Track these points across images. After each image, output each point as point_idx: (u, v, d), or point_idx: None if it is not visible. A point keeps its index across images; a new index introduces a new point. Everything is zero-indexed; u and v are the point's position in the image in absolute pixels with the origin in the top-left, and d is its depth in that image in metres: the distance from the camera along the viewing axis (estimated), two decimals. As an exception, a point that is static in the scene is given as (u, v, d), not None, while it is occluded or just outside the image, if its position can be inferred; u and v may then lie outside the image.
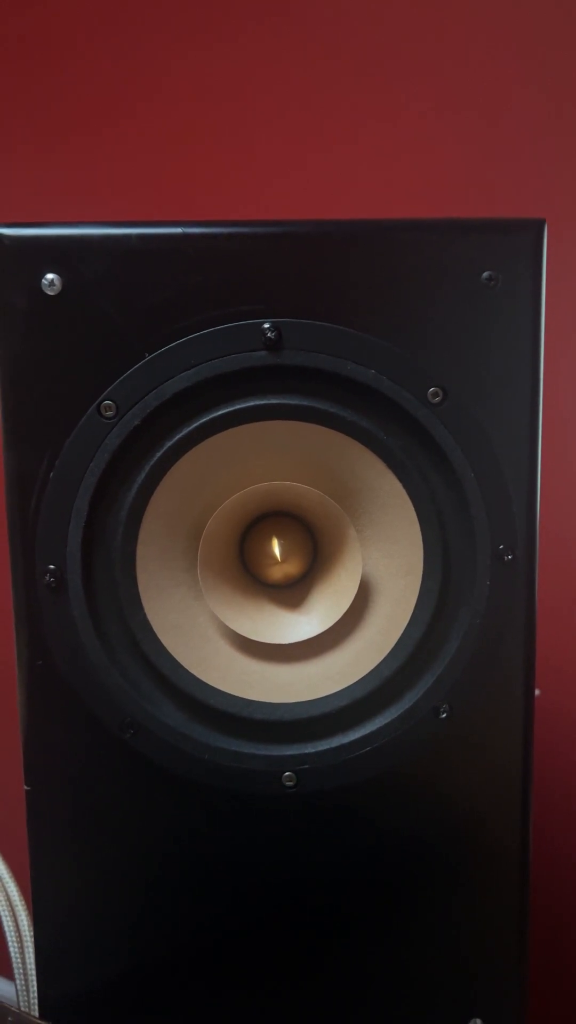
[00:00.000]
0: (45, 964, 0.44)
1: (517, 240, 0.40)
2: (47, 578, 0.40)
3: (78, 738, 0.41)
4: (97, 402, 0.39)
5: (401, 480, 0.40)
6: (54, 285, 0.38)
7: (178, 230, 0.39)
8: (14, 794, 0.85)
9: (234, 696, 0.41)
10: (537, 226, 0.40)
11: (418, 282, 0.40)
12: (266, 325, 0.39)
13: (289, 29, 0.79)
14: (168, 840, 0.42)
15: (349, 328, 0.39)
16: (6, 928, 0.55)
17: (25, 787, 0.42)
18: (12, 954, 0.54)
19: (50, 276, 0.38)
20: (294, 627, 0.42)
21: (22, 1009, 0.49)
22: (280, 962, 0.44)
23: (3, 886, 0.56)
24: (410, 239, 0.40)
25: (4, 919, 0.55)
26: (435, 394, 0.40)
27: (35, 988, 0.54)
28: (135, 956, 0.44)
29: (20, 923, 0.55)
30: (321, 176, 0.79)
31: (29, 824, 0.43)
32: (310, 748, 0.41)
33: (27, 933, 0.55)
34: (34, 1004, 0.52)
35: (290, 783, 0.41)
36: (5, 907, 0.55)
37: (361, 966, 0.44)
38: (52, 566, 0.40)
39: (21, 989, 0.53)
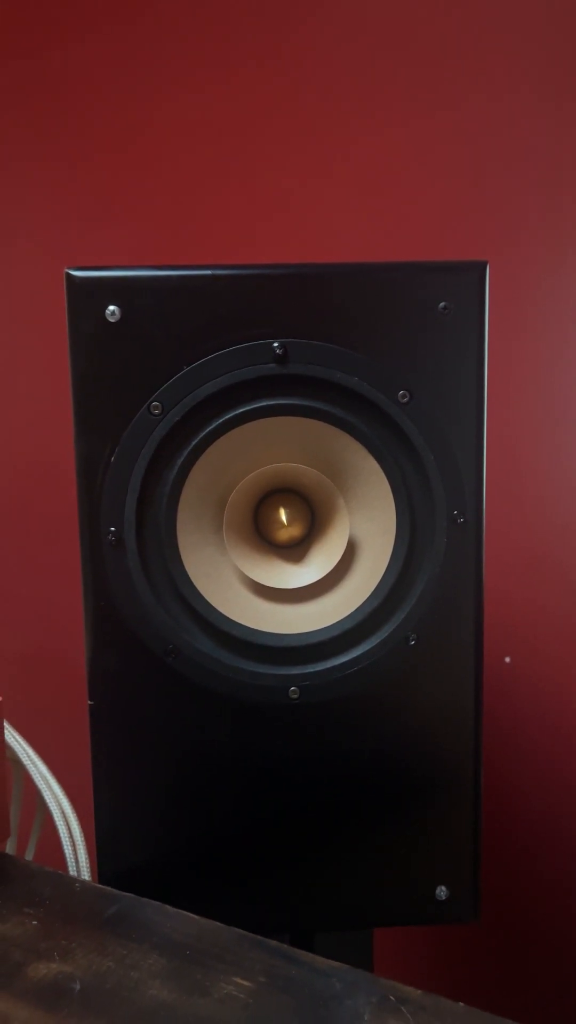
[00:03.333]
0: (103, 845, 0.56)
1: (465, 278, 0.52)
2: (109, 537, 0.52)
3: (131, 661, 0.53)
4: (147, 403, 0.51)
5: (378, 461, 0.53)
6: (115, 314, 0.51)
7: (208, 272, 0.51)
8: (70, 722, 0.97)
9: (251, 628, 0.54)
10: (481, 267, 0.52)
11: (390, 310, 0.52)
12: (275, 344, 0.51)
13: (287, 74, 0.91)
14: (200, 741, 0.54)
15: (339, 346, 0.52)
16: (61, 835, 0.67)
17: (89, 702, 0.54)
18: (67, 855, 0.66)
19: (112, 307, 0.51)
20: (297, 575, 0.54)
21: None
22: (286, 839, 0.56)
23: (58, 802, 0.68)
24: (384, 277, 0.52)
25: (59, 826, 0.67)
26: (403, 396, 0.52)
27: (87, 879, 0.66)
28: (175, 836, 0.56)
29: (72, 831, 0.67)
30: (312, 213, 0.92)
31: (92, 731, 0.55)
32: (310, 668, 0.54)
33: (79, 839, 0.67)
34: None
35: (295, 695, 0.54)
36: (60, 817, 0.67)
37: (350, 846, 0.56)
38: (113, 528, 0.52)
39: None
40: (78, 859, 0.66)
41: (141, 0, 0.97)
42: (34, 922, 0.51)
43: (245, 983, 0.46)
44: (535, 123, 0.83)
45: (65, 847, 0.67)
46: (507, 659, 0.99)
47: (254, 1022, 0.43)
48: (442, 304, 0.52)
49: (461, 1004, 0.44)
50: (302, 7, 0.90)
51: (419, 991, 0.45)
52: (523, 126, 0.83)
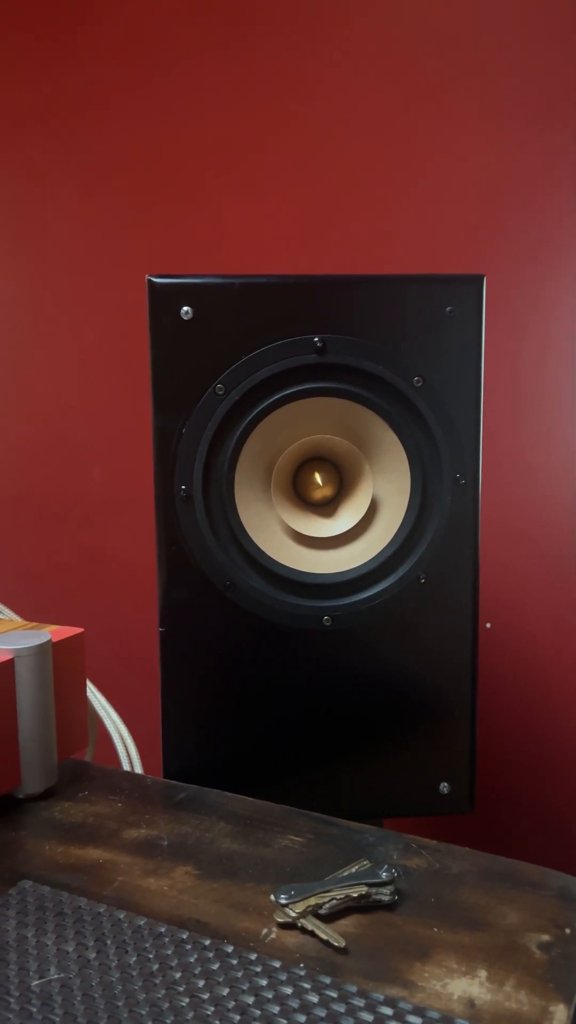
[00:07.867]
0: (168, 747, 0.68)
1: (467, 288, 0.65)
2: (181, 493, 0.64)
3: (196, 594, 0.66)
4: (213, 385, 0.64)
5: (397, 433, 0.65)
6: (188, 313, 0.63)
7: (263, 280, 0.64)
8: (128, 651, 1.08)
9: (293, 568, 0.66)
10: (479, 279, 0.66)
11: (408, 312, 0.65)
12: (316, 338, 0.64)
13: (290, 104, 1.04)
14: (251, 660, 0.67)
15: (367, 340, 0.64)
16: (120, 754, 0.79)
17: (160, 628, 0.67)
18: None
19: (186, 308, 0.63)
20: (329, 526, 0.67)
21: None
22: (316, 742, 0.68)
23: (116, 727, 0.80)
24: (403, 286, 0.65)
25: (119, 748, 0.79)
26: (418, 381, 0.65)
27: (143, 791, 0.78)
28: (226, 739, 0.68)
29: (130, 751, 0.79)
30: (332, 227, 1.05)
31: (161, 652, 0.67)
32: (341, 601, 0.66)
33: (135, 758, 0.79)
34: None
35: (327, 623, 0.66)
36: (119, 740, 0.79)
37: (370, 748, 0.69)
38: (184, 486, 0.64)
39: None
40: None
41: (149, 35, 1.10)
42: (119, 804, 0.64)
43: (297, 839, 0.58)
44: (527, 150, 0.97)
45: (124, 765, 0.79)
46: (488, 624, 1.12)
47: (309, 861, 0.55)
48: (448, 308, 0.65)
49: (467, 848, 0.57)
50: (311, 37, 1.03)
51: (434, 841, 0.58)
52: (516, 153, 0.97)
